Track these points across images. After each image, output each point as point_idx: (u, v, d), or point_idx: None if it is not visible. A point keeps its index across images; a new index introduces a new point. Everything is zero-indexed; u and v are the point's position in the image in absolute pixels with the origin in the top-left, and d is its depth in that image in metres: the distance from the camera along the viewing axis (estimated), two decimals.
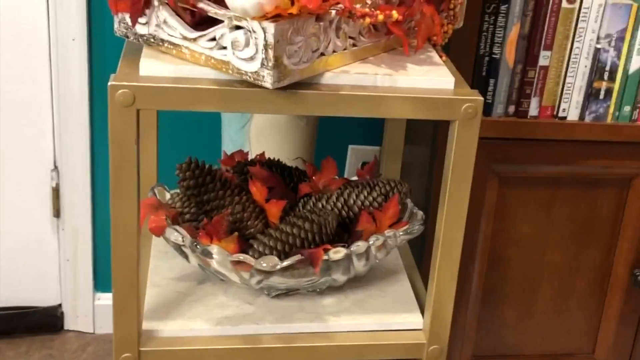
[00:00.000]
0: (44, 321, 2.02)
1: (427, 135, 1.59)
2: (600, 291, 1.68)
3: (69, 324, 2.04)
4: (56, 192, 1.91)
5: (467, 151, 1.11)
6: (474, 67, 1.47)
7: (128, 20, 1.07)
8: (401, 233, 1.25)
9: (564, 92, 1.50)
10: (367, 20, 1.03)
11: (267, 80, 0.98)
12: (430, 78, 1.10)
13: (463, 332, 1.66)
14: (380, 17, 1.03)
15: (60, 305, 2.03)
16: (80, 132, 1.85)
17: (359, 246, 1.20)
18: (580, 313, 1.69)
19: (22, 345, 1.97)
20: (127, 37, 1.09)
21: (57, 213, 1.93)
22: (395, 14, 1.04)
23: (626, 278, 1.65)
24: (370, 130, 1.93)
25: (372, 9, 1.04)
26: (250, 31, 0.97)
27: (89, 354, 1.96)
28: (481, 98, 1.09)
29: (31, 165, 1.89)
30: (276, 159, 1.35)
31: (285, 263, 1.16)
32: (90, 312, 2.03)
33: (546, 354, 1.72)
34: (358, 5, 1.04)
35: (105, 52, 1.80)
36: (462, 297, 1.62)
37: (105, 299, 2.03)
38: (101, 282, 2.02)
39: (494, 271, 1.62)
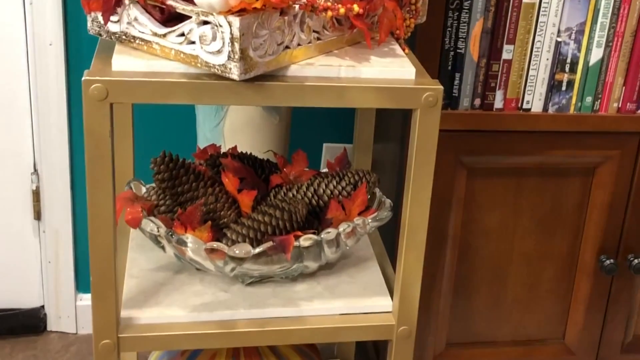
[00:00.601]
0: (27, 323, 2.05)
1: (396, 133, 1.64)
2: (568, 278, 1.72)
3: (52, 325, 2.08)
4: (36, 195, 1.95)
5: (429, 138, 1.16)
6: (440, 62, 1.51)
7: (100, 18, 1.11)
8: (370, 220, 1.29)
9: (527, 84, 1.55)
10: (329, 13, 1.08)
11: (234, 72, 1.03)
12: (392, 69, 1.15)
13: (436, 320, 1.70)
14: (342, 10, 1.08)
15: (42, 306, 2.06)
16: (59, 136, 1.88)
17: (329, 233, 1.25)
18: (549, 299, 1.73)
19: (6, 346, 2.00)
20: (100, 35, 1.14)
21: (37, 216, 1.97)
22: (356, 7, 1.09)
23: (593, 264, 1.69)
24: (344, 128, 1.98)
25: (334, 3, 1.09)
26: (216, 25, 1.02)
27: (72, 354, 1.99)
28: (441, 87, 1.14)
29: (11, 169, 1.92)
30: (248, 153, 1.40)
31: (258, 250, 1.20)
32: (72, 313, 2.06)
33: (518, 340, 1.76)
34: (321, 1, 1.09)
35: (81, 56, 1.84)
36: (434, 286, 1.66)
37: (87, 299, 2.06)
38: (83, 283, 2.06)
39: (465, 260, 1.67)
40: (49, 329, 2.08)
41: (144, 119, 1.78)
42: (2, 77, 1.84)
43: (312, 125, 1.96)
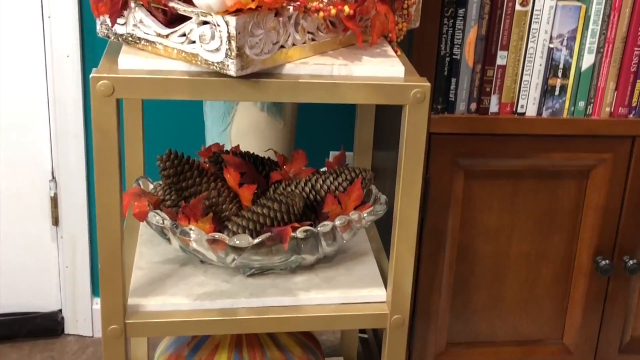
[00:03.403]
0: (45, 325, 2.12)
1: (397, 141, 1.69)
2: (565, 278, 1.76)
3: (69, 328, 2.15)
4: (54, 202, 2.02)
5: (418, 133, 1.22)
6: (436, 68, 1.57)
7: (108, 21, 1.19)
8: (365, 214, 1.36)
9: (522, 89, 1.60)
10: (321, 14, 1.15)
11: (231, 68, 1.10)
12: (382, 67, 1.22)
13: (436, 320, 1.74)
14: (333, 11, 1.15)
15: (60, 310, 2.14)
16: (76, 144, 1.97)
17: (325, 225, 1.31)
18: (547, 300, 1.77)
19: (25, 348, 2.07)
20: (108, 37, 1.22)
21: (55, 221, 2.05)
22: (347, 9, 1.16)
23: (589, 265, 1.73)
24: (350, 137, 2.05)
25: (327, 5, 1.16)
26: (214, 25, 1.09)
27: (89, 355, 2.06)
28: (428, 84, 1.20)
29: (30, 176, 2.00)
30: (251, 152, 1.47)
31: (257, 240, 1.27)
32: (89, 316, 2.13)
33: (517, 340, 1.80)
34: (315, 3, 1.17)
35: (97, 66, 1.92)
36: (434, 286, 1.71)
37: None
38: (99, 287, 2.12)
39: (464, 261, 1.71)
40: (66, 331, 2.15)
41: (154, 123, 1.85)
42: (22, 88, 1.93)
43: (319, 133, 2.03)
